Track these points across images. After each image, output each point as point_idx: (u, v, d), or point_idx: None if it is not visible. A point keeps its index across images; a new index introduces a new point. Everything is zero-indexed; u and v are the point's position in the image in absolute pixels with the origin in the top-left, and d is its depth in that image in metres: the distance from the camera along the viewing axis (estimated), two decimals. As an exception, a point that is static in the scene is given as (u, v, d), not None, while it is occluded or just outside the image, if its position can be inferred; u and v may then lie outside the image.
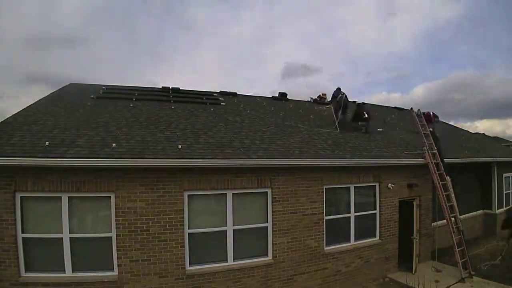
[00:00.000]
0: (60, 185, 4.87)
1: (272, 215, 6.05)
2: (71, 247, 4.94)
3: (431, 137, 8.13)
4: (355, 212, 6.98)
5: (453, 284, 6.71)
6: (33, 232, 4.86)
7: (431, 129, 8.39)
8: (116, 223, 5.05)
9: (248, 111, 9.39)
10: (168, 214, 5.28)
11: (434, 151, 7.83)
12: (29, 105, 7.10)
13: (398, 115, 14.22)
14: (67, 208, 4.94)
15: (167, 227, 5.27)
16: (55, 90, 9.08)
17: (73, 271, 4.95)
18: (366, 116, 9.38)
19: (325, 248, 6.56)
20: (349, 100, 9.91)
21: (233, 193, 5.79)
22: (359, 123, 9.52)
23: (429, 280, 6.66)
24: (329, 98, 14.12)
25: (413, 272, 7.30)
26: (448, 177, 7.65)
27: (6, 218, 4.70)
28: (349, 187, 6.94)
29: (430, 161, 7.60)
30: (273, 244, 6.04)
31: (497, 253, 8.53)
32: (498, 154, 11.25)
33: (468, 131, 15.64)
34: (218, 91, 11.49)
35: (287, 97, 12.73)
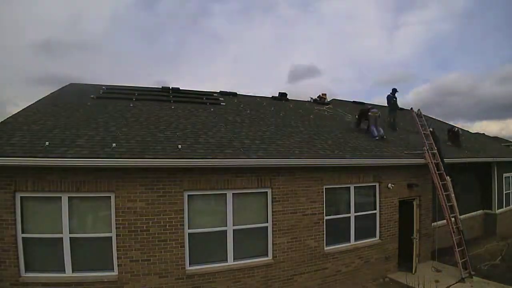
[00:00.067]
0: (60, 185, 4.86)
1: (272, 215, 6.04)
2: (71, 247, 4.94)
3: (431, 137, 8.13)
4: (355, 212, 6.97)
5: (453, 284, 6.71)
6: (33, 232, 4.86)
7: (431, 129, 8.38)
8: (116, 223, 5.05)
9: (248, 111, 9.38)
10: (168, 214, 5.28)
11: (434, 151, 7.83)
12: (29, 105, 7.10)
13: (398, 115, 14.19)
14: (67, 208, 4.94)
15: (167, 227, 5.26)
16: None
17: (73, 271, 4.94)
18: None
19: (325, 248, 6.55)
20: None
21: (233, 193, 5.78)
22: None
23: (429, 280, 6.65)
24: (329, 98, 14.20)
25: (413, 272, 7.30)
26: (448, 177, 7.65)
27: (6, 218, 4.70)
28: (349, 187, 6.94)
29: (430, 161, 7.60)
30: (273, 244, 6.04)
31: (497, 253, 8.53)
32: (498, 154, 11.26)
33: (468, 131, 15.62)
34: (218, 91, 11.49)
35: (287, 97, 12.74)
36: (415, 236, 7.66)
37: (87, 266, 5.02)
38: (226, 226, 5.71)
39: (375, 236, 7.30)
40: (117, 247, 5.05)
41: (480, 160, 10.13)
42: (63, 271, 4.91)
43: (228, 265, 5.67)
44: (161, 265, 5.21)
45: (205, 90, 11.32)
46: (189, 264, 5.45)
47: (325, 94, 13.99)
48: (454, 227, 7.29)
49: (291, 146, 6.73)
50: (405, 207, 7.71)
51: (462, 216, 8.02)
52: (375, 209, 7.30)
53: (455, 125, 13.38)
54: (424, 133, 8.19)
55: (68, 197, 4.95)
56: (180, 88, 10.88)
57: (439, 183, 7.47)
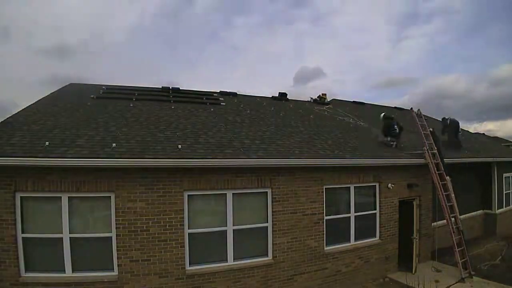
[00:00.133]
0: (60, 185, 4.86)
1: (272, 215, 6.04)
2: (71, 247, 4.93)
3: (431, 137, 8.13)
4: (355, 212, 6.97)
5: (453, 284, 6.71)
6: (33, 232, 4.86)
7: (431, 129, 8.38)
8: (116, 223, 5.05)
9: (248, 111, 9.38)
10: (168, 214, 5.28)
11: (434, 151, 7.83)
12: (29, 105, 7.10)
13: (398, 115, 14.20)
14: (67, 208, 4.94)
15: (167, 227, 5.26)
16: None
17: (73, 271, 4.94)
18: (398, 130, 8.27)
19: (325, 248, 6.55)
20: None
21: (233, 193, 5.78)
22: (388, 138, 8.31)
23: (429, 280, 6.65)
24: (329, 98, 14.18)
25: (413, 272, 7.30)
26: (448, 177, 7.65)
27: (6, 218, 4.70)
28: (349, 187, 6.94)
29: (430, 161, 7.60)
30: (273, 244, 6.04)
31: (497, 253, 8.53)
32: (498, 154, 11.25)
33: (468, 131, 15.63)
34: (218, 91, 11.49)
35: (287, 97, 12.73)
36: (415, 236, 7.66)
37: (87, 266, 5.02)
38: (226, 226, 5.71)
39: (375, 236, 7.30)
40: (117, 247, 5.05)
41: (480, 160, 10.12)
42: (63, 271, 4.91)
43: (228, 265, 5.67)
44: (161, 265, 5.21)
45: (205, 90, 11.31)
46: (189, 264, 5.45)
47: (325, 94, 13.98)
48: (454, 227, 7.29)
49: (291, 146, 6.73)
50: (405, 207, 7.71)
51: (462, 216, 8.02)
52: (375, 209, 7.30)
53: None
54: (424, 133, 8.19)
55: (68, 197, 4.95)
56: (180, 88, 10.88)
57: (439, 183, 7.47)
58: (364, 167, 7.00)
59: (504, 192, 11.45)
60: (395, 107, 15.95)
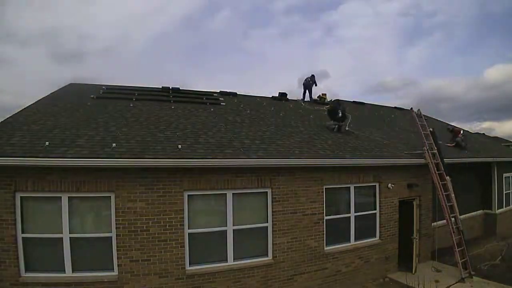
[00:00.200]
0: (60, 185, 4.86)
1: (272, 215, 6.04)
2: (71, 247, 4.93)
3: (431, 137, 8.13)
4: (355, 212, 6.97)
5: (453, 284, 6.71)
6: (33, 232, 4.86)
7: (431, 129, 8.38)
8: (116, 223, 5.04)
9: (248, 111, 9.38)
10: (168, 214, 5.28)
11: (434, 151, 7.83)
12: (29, 105, 7.10)
13: (398, 115, 14.22)
14: (67, 208, 4.93)
15: (167, 227, 5.26)
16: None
17: (73, 271, 4.94)
18: (341, 115, 8.75)
19: (325, 248, 6.55)
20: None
21: (233, 193, 5.78)
22: (332, 122, 8.88)
23: (429, 280, 6.65)
24: (328, 98, 14.16)
25: (413, 272, 7.30)
26: (448, 177, 7.65)
27: (6, 218, 4.70)
28: (349, 187, 6.94)
29: (430, 161, 7.59)
30: (273, 244, 6.04)
31: (497, 253, 8.53)
32: (498, 154, 11.25)
33: (468, 131, 15.63)
34: (218, 91, 11.49)
35: (287, 97, 12.72)
36: (415, 236, 7.66)
37: (87, 266, 5.02)
38: (226, 226, 5.71)
39: (375, 236, 7.29)
40: (117, 247, 5.04)
41: (480, 160, 10.12)
42: (63, 271, 4.91)
43: (228, 265, 5.67)
44: (161, 265, 5.21)
45: (205, 90, 11.31)
46: (189, 264, 5.45)
47: (325, 94, 13.93)
48: (454, 227, 7.29)
49: (291, 146, 6.73)
50: (405, 207, 7.71)
51: (462, 216, 8.01)
52: (375, 209, 7.30)
53: (455, 125, 13.36)
54: (424, 133, 8.19)
55: (68, 197, 4.95)
56: (180, 88, 10.88)
57: (439, 183, 7.47)
58: (364, 167, 7.00)
59: (504, 192, 11.45)
60: (395, 107, 15.97)
